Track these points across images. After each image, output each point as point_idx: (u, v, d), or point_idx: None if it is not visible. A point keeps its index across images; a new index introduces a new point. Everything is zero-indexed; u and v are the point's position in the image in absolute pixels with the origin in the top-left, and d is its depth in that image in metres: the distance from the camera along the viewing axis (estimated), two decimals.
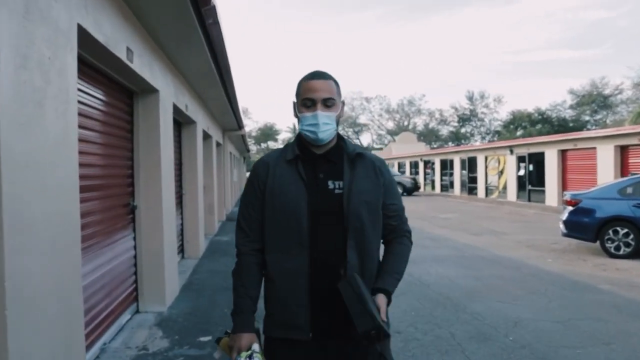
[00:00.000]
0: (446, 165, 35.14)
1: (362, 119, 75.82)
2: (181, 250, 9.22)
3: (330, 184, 2.04)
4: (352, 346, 1.97)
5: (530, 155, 24.32)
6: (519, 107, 74.63)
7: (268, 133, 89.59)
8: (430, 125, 73.74)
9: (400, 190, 32.77)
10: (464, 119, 70.24)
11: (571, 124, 53.52)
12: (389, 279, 2.08)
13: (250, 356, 1.90)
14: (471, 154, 30.95)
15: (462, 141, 68.14)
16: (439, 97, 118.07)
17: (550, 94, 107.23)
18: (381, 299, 1.98)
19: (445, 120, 72.66)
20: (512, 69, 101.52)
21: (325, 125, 2.02)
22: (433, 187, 37.77)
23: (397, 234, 2.22)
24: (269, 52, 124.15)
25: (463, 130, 70.75)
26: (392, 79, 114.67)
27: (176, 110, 7.41)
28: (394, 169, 40.29)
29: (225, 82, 8.91)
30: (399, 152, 49.41)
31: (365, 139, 79.83)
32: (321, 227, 2.00)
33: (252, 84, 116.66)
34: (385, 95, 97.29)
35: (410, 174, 41.29)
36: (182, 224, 9.25)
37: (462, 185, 32.21)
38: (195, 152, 9.32)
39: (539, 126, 55.87)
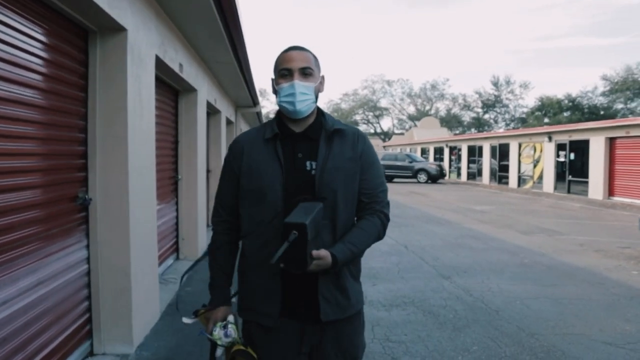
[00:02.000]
0: (474, 152, 33.03)
1: (383, 103, 73.55)
2: (175, 249, 7.44)
3: (308, 165, 1.99)
4: (327, 329, 2.00)
5: (571, 142, 22.19)
6: (546, 94, 71.77)
7: None
8: (453, 111, 71.35)
9: (424, 177, 31.12)
10: (488, 105, 68.00)
11: (602, 112, 50.96)
12: (340, 246, 1.94)
13: (225, 326, 1.99)
14: (503, 141, 28.81)
15: (485, 128, 66.06)
16: (463, 82, 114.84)
17: (577, 82, 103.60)
18: (324, 251, 1.87)
19: (469, 105, 70.27)
20: (537, 56, 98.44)
21: (302, 95, 1.96)
22: (459, 175, 35.70)
23: (368, 212, 2.08)
24: (289, 33, 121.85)
25: (486, 116, 68.59)
26: (415, 63, 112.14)
27: (164, 67, 5.57)
28: (417, 154, 38.19)
29: (234, 40, 7.05)
30: (421, 138, 47.37)
31: (385, 123, 77.73)
32: None
33: (271, 64, 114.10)
34: (407, 78, 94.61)
35: (435, 160, 39.23)
36: (176, 217, 7.45)
37: (492, 173, 30.12)
38: (194, 127, 7.49)
39: (567, 113, 53.43)
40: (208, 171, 10.78)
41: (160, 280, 6.20)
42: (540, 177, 24.50)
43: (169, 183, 7.10)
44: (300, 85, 1.96)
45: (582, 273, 7.45)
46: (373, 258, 8.16)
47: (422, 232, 11.30)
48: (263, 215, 1.97)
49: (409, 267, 7.66)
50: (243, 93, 12.34)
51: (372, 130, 75.02)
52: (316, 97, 2.05)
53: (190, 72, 6.92)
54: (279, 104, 2.01)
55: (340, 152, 2.02)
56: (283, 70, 1.99)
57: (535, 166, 25.22)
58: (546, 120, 54.27)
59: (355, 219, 2.10)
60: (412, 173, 31.36)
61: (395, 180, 32.40)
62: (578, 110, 52.94)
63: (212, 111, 10.63)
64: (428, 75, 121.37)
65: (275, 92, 2.04)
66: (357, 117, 73.94)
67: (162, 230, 6.64)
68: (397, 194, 22.64)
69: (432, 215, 14.70)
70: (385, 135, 71.87)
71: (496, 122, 68.79)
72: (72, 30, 3.73)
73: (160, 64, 5.25)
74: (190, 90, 7.40)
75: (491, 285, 6.61)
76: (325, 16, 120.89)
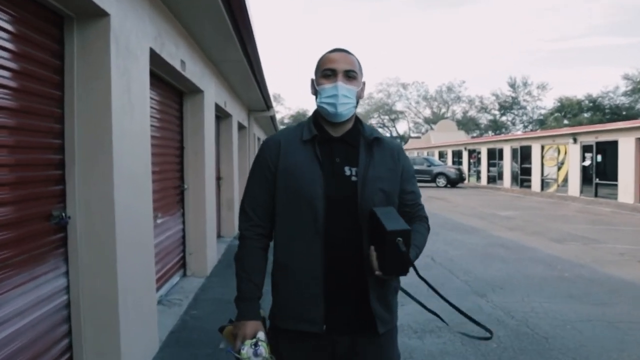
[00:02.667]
0: (494, 155, 32.12)
1: (399, 106, 72.65)
2: (182, 265, 6.80)
3: (347, 170, 1.94)
4: (364, 342, 1.93)
5: (598, 144, 21.28)
6: (565, 95, 70.43)
7: (301, 120, 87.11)
8: (469, 113, 70.31)
9: (443, 181, 30.31)
10: (505, 107, 66.92)
11: (624, 112, 49.63)
12: (412, 250, 1.87)
13: (255, 344, 1.79)
14: (524, 143, 27.93)
15: (503, 130, 65.03)
16: (480, 84, 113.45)
17: (597, 82, 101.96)
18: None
19: (486, 107, 69.15)
20: (555, 57, 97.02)
21: (345, 98, 1.91)
22: (478, 179, 34.80)
23: (414, 220, 2.06)
24: (302, 38, 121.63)
25: (504, 118, 67.51)
26: (431, 65, 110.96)
27: (162, 64, 4.94)
28: (435, 158, 37.35)
29: (242, 36, 6.43)
30: (438, 141, 46.57)
31: (401, 127, 76.81)
32: (336, 215, 1.89)
33: (285, 70, 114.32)
34: (423, 81, 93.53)
35: (453, 163, 38.36)
36: (183, 230, 6.81)
37: (513, 177, 29.21)
38: (201, 131, 6.86)
39: (587, 114, 52.19)
40: (219, 179, 10.17)
41: (163, 302, 5.56)
42: (565, 180, 23.58)
43: (174, 193, 6.48)
44: (344, 88, 1.91)
45: (632, 289, 6.68)
46: None
47: (448, 241, 10.56)
48: (302, 219, 1.90)
49: (438, 282, 6.95)
50: (255, 95, 11.70)
51: (387, 134, 74.13)
52: (357, 102, 1.99)
53: (195, 71, 6.29)
54: (319, 104, 1.96)
55: (381, 161, 1.98)
56: (327, 71, 1.94)
57: (559, 169, 24.30)
58: (565, 121, 53.06)
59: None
60: (431, 177, 30.58)
61: None
62: (599, 110, 51.67)
63: (222, 115, 10.01)
64: (444, 77, 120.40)
65: (314, 93, 2.00)
66: (373, 121, 73.10)
67: (166, 245, 6.02)
68: None
69: (457, 222, 13.94)
70: (402, 139, 70.89)
71: (514, 124, 67.78)
72: (45, 16, 3.10)
73: (156, 58, 4.61)
74: (196, 91, 6.77)
75: (533, 305, 5.87)
76: (337, 21, 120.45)
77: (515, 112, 67.23)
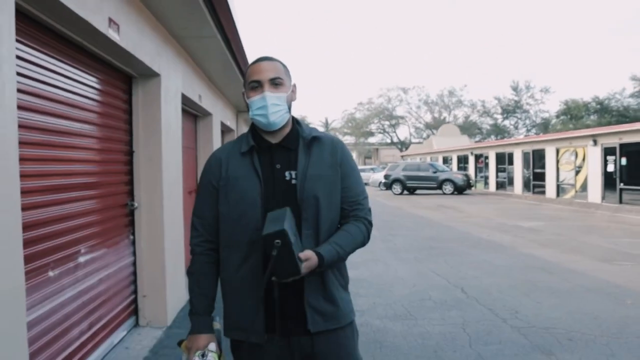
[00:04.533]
0: (503, 160, 30.31)
1: (399, 111, 70.66)
2: (133, 312, 4.98)
3: (287, 175, 1.96)
4: (315, 340, 1.94)
5: (622, 146, 19.47)
6: (567, 97, 68.79)
7: None
8: (471, 118, 68.57)
9: (450, 188, 28.49)
10: (508, 111, 65.28)
11: (631, 113, 47.87)
12: (326, 246, 1.91)
13: (203, 354, 1.87)
14: (537, 146, 26.09)
15: (505, 134, 63.42)
16: (482, 87, 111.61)
17: (602, 84, 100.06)
18: (308, 251, 1.84)
19: (488, 111, 67.45)
20: (557, 58, 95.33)
21: (274, 107, 1.92)
22: (486, 185, 32.95)
23: (352, 219, 2.04)
24: (299, 43, 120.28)
25: (506, 122, 65.93)
26: (431, 69, 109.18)
27: (94, 35, 3.17)
28: (439, 163, 35.51)
29: (214, 5, 4.70)
30: (441, 146, 44.77)
31: (402, 133, 75.03)
32: None
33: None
34: (423, 85, 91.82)
35: (458, 169, 36.56)
36: (133, 264, 4.99)
37: (525, 182, 27.39)
38: (158, 130, 5.04)
39: (594, 117, 50.48)
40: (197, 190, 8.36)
41: None
42: (584, 186, 21.76)
43: (118, 214, 4.68)
44: (272, 97, 1.92)
45: None
46: (423, 312, 5.66)
47: (475, 263, 8.75)
48: (243, 230, 1.92)
49: (481, 330, 5.13)
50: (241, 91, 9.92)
51: (388, 140, 72.40)
52: (289, 107, 2.00)
53: (142, 43, 4.51)
54: (252, 117, 1.98)
55: (319, 159, 1.99)
56: (253, 83, 1.95)
57: (577, 173, 22.47)
58: (571, 125, 51.34)
59: (338, 226, 2.06)
60: (437, 184, 28.76)
61: (418, 192, 29.84)
62: (607, 112, 49.94)
63: (198, 113, 8.22)
64: (445, 81, 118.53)
65: (247, 106, 2.00)
66: (373, 127, 71.27)
67: (102, 290, 4.22)
68: (425, 208, 20.07)
69: (476, 236, 12.13)
70: (402, 145, 69.16)
71: (516, 128, 66.26)
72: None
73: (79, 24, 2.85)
74: (149, 75, 4.99)
75: None
76: (334, 26, 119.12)
77: (518, 116, 65.78)
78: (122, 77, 4.81)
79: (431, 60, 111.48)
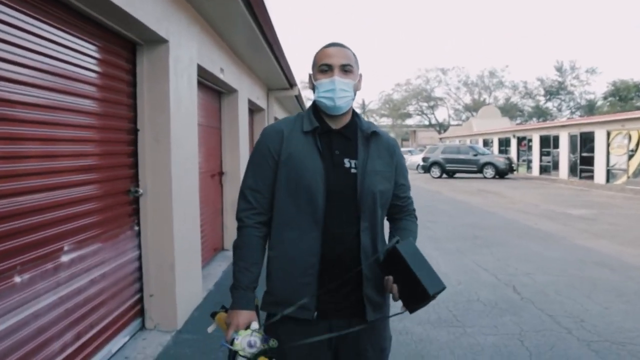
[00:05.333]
0: (548, 143, 28.93)
1: (438, 92, 68.91)
2: (139, 313, 4.37)
3: (347, 162, 1.96)
4: (357, 325, 1.93)
5: None
6: (615, 78, 65.95)
7: None
8: (512, 100, 66.45)
9: (491, 172, 27.31)
10: (551, 92, 63.03)
11: None
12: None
13: (250, 335, 1.77)
14: (585, 129, 24.70)
15: (547, 117, 61.30)
16: (523, 68, 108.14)
17: None
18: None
19: (530, 93, 65.24)
20: (604, 38, 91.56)
21: (342, 92, 1.93)
22: (529, 169, 31.60)
23: (405, 213, 2.18)
24: (335, 23, 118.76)
25: (549, 104, 63.75)
26: (472, 49, 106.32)
27: None
28: (479, 146, 34.16)
29: None
30: (481, 128, 43.32)
31: (440, 114, 73.39)
32: (335, 206, 1.91)
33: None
34: (463, 66, 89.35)
35: (499, 152, 35.22)
36: (139, 259, 4.36)
37: (572, 167, 26.05)
38: (166, 105, 4.36)
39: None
40: (221, 174, 7.73)
41: None
42: (638, 171, 20.42)
43: (121, 202, 4.05)
44: (341, 82, 1.93)
45: None
46: (472, 317, 4.91)
47: (524, 255, 7.91)
48: (302, 209, 1.90)
49: (543, 343, 4.34)
50: (270, 67, 9.18)
51: (426, 122, 70.83)
52: (354, 95, 2.00)
53: (148, 5, 3.82)
54: (318, 99, 1.98)
55: (378, 155, 2.01)
56: (323, 66, 1.96)
57: (630, 158, 21.10)
58: (619, 108, 49.10)
59: (389, 219, 2.17)
60: (478, 167, 27.61)
61: (458, 175, 28.77)
62: None
63: (223, 89, 7.54)
64: (486, 62, 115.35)
65: (313, 88, 2.01)
66: (410, 108, 69.80)
67: (104, 287, 3.61)
68: (464, 192, 19.13)
69: (522, 224, 11.23)
70: (441, 127, 67.55)
71: (560, 110, 64.04)
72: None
73: None
74: (154, 40, 4.30)
75: None
76: (372, 7, 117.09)
77: (562, 98, 63.53)
78: (124, 43, 4.14)
79: (471, 40, 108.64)
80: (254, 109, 11.40)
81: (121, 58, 4.12)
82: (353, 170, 1.94)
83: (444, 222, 11.64)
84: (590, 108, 59.18)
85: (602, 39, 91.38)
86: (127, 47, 4.20)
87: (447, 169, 28.51)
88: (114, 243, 3.90)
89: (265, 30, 6.59)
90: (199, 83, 6.44)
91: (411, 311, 1.84)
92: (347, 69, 1.95)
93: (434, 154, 29.24)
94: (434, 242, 9.03)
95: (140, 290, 4.38)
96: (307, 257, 1.88)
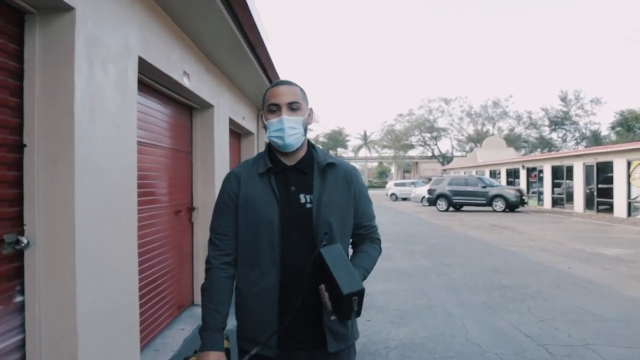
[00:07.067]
0: (561, 174, 27.38)
1: (441, 123, 67.51)
2: None
3: (302, 198, 2.01)
4: (319, 356, 2.00)
5: None
6: (622, 108, 64.84)
7: (337, 139, 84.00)
8: (516, 130, 65.22)
9: (501, 205, 25.68)
10: (555, 122, 61.89)
11: None
12: (358, 272, 1.93)
13: None
14: (603, 158, 23.15)
15: (552, 148, 60.04)
16: (527, 98, 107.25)
17: None
18: None
19: (535, 123, 64.05)
20: (608, 67, 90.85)
21: (291, 130, 1.99)
22: (540, 201, 29.98)
23: (367, 241, 2.18)
24: (336, 55, 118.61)
25: (554, 135, 62.63)
26: (474, 79, 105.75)
27: None
28: (486, 176, 32.58)
29: None
30: (486, 159, 41.92)
31: (443, 146, 72.01)
32: (292, 242, 1.97)
33: (320, 88, 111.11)
34: (466, 96, 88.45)
35: (507, 183, 33.64)
36: (23, 345, 2.75)
37: (587, 199, 24.43)
38: (69, 107, 2.80)
39: None
40: (191, 209, 6.17)
41: None
42: None
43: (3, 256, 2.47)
44: (289, 120, 1.98)
45: None
46: None
47: (571, 313, 6.27)
48: (260, 250, 1.98)
49: None
50: (257, 79, 7.67)
51: (429, 153, 69.40)
52: (305, 130, 2.06)
53: None
54: (269, 138, 2.03)
55: (334, 186, 2.05)
56: (271, 106, 2.01)
57: None
58: (628, 138, 47.75)
59: (352, 246, 2.18)
60: (487, 200, 25.99)
61: (465, 208, 27.16)
62: None
63: (192, 101, 6.00)
64: (489, 92, 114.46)
65: (264, 127, 2.07)
66: (413, 139, 68.43)
67: None
68: (476, 228, 17.51)
69: (552, 267, 9.58)
70: (444, 158, 66.10)
71: (564, 140, 62.81)
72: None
73: None
74: (57, 8, 2.77)
75: None
76: (374, 35, 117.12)
77: (567, 128, 62.38)
78: (6, 11, 2.62)
79: (474, 69, 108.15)
80: (241, 133, 9.87)
81: (1, 34, 2.59)
82: (308, 205, 1.99)
83: (460, 264, 10.00)
84: (595, 138, 58.00)
85: (606, 68, 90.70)
86: (11, 18, 2.67)
87: (454, 201, 26.92)
88: None
89: (243, 26, 5.10)
90: (154, 90, 4.92)
91: (339, 318, 1.84)
92: (294, 107, 2.00)
93: (440, 186, 27.65)
94: (454, 294, 7.38)
95: None
96: (267, 295, 1.96)
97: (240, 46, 5.57)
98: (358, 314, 1.81)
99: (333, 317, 1.83)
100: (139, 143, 4.49)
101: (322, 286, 1.86)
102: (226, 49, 5.77)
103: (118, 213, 3.39)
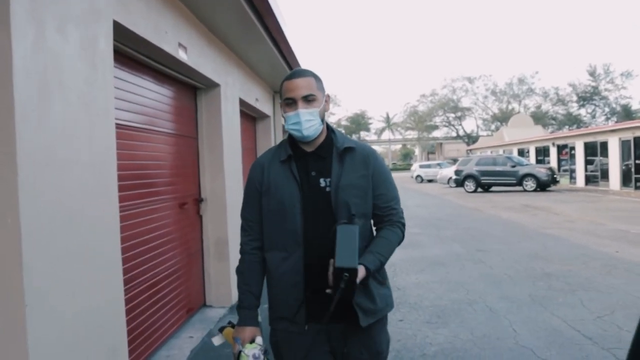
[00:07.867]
0: (594, 151, 26.23)
1: (465, 102, 65.89)
2: None
3: (322, 182, 2.08)
4: (353, 329, 2.08)
5: None
6: None
7: (359, 122, 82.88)
8: (543, 107, 63.42)
9: (532, 184, 24.66)
10: (584, 98, 59.91)
11: None
12: (370, 257, 2.02)
13: (254, 349, 1.98)
14: None
15: (580, 124, 58.25)
16: (554, 74, 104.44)
17: None
18: (360, 268, 1.91)
19: (563, 99, 62.15)
20: (638, 40, 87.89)
21: (307, 122, 2.04)
22: (572, 179, 28.86)
23: (387, 223, 2.18)
24: (362, 37, 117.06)
25: (582, 111, 60.68)
26: (499, 56, 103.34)
27: None
28: (514, 155, 31.44)
29: None
30: (513, 138, 40.63)
31: (468, 125, 70.50)
32: (315, 225, 2.04)
33: (342, 71, 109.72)
34: (490, 74, 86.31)
35: (537, 162, 32.50)
36: None
37: (625, 176, 23.30)
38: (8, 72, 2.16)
39: None
40: (198, 200, 5.52)
41: None
42: None
43: None
44: (305, 113, 2.03)
45: None
46: None
47: (630, 305, 5.51)
48: (283, 233, 2.05)
49: None
50: (271, 59, 6.97)
51: (453, 134, 68.02)
52: (322, 119, 2.09)
53: None
54: (288, 129, 2.09)
55: (352, 169, 2.09)
56: (287, 100, 2.05)
57: None
58: None
59: (375, 229, 2.20)
60: (517, 180, 24.99)
61: (494, 189, 26.23)
62: None
63: (193, 79, 5.33)
64: (514, 69, 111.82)
65: (283, 117, 2.11)
66: (437, 120, 67.12)
67: None
68: (508, 209, 16.66)
69: (598, 251, 8.77)
70: (469, 138, 64.65)
71: (594, 116, 60.87)
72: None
73: None
74: None
75: None
76: (395, 17, 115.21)
77: (596, 103, 60.42)
78: None
79: (498, 46, 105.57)
80: (256, 116, 9.20)
81: None
82: (327, 189, 2.05)
83: (497, 251, 9.23)
84: (626, 113, 56.08)
85: (637, 39, 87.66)
86: None
87: (483, 182, 25.97)
88: None
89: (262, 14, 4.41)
90: (145, 65, 4.26)
91: (332, 293, 1.83)
92: (309, 99, 2.03)
93: (468, 166, 26.71)
94: (494, 286, 6.65)
95: None
96: (292, 276, 2.04)
97: (243, 12, 4.85)
98: (347, 294, 1.82)
99: (328, 290, 1.86)
100: (130, 128, 3.85)
101: (332, 260, 1.86)
102: (227, 16, 5.05)
103: (91, 213, 2.75)
